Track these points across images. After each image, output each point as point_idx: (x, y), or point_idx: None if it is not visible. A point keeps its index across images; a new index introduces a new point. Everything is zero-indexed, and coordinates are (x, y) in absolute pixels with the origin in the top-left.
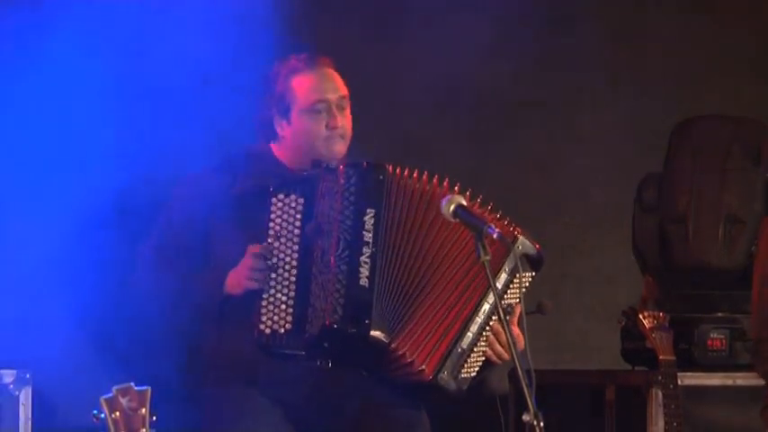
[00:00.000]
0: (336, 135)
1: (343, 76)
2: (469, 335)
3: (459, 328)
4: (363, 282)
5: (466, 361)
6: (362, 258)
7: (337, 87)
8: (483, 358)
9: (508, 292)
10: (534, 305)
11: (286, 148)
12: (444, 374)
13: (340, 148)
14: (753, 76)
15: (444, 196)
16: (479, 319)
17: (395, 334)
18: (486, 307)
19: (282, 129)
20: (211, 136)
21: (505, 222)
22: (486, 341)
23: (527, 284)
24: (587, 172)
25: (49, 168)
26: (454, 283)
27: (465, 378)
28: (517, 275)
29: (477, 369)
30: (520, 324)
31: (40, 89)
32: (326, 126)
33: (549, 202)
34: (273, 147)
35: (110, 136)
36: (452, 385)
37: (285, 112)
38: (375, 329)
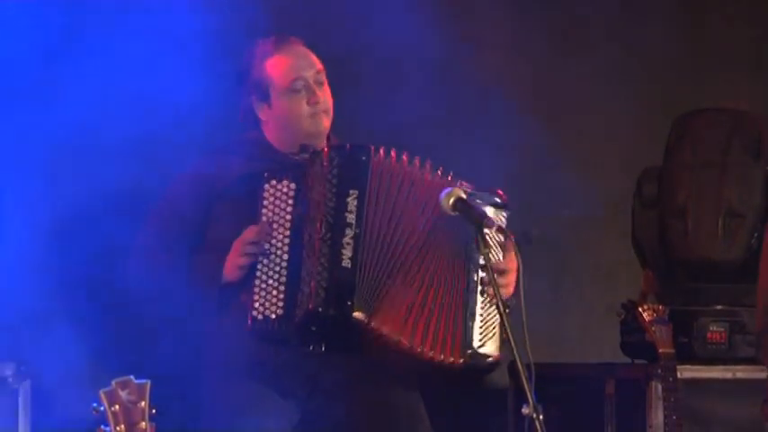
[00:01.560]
0: (320, 110)
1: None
2: (476, 308)
3: (463, 309)
4: (346, 263)
5: (485, 327)
6: (345, 240)
7: (313, 63)
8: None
9: (483, 249)
10: (522, 236)
11: (271, 132)
12: (471, 351)
13: (325, 123)
14: (753, 70)
15: (435, 182)
16: (477, 291)
17: (379, 314)
18: (474, 277)
19: (264, 113)
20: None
21: (449, 177)
22: (489, 302)
23: (503, 224)
24: (587, 166)
25: (47, 161)
26: (444, 265)
27: (491, 340)
28: (487, 233)
29: (494, 327)
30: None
31: (42, 86)
32: (308, 103)
33: (548, 195)
34: (263, 129)
35: (112, 129)
36: (483, 358)
37: (265, 97)
38: (357, 310)
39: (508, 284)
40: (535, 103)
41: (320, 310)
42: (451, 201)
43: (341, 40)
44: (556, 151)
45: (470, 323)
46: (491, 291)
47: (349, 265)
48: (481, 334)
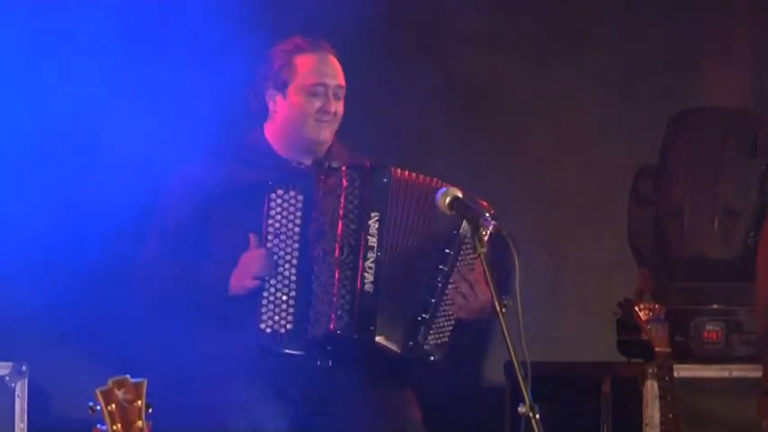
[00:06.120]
0: (327, 120)
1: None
2: (431, 308)
3: (420, 304)
4: (368, 287)
5: (431, 327)
6: (367, 264)
7: (337, 75)
8: (452, 322)
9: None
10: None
11: (276, 127)
12: (413, 344)
13: (328, 133)
14: (749, 68)
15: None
16: (437, 292)
17: (400, 338)
18: (439, 278)
19: (276, 104)
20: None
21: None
22: (449, 302)
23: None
24: (583, 163)
25: (45, 164)
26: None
27: (438, 343)
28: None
29: (449, 333)
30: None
31: (44, 88)
32: (320, 109)
33: (544, 193)
34: (265, 128)
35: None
36: (424, 356)
37: (282, 87)
38: (380, 335)
39: (476, 300)
40: (531, 100)
41: (341, 332)
42: (448, 200)
43: None
44: (552, 148)
45: (420, 319)
46: (459, 300)
47: (371, 290)
48: (431, 334)
